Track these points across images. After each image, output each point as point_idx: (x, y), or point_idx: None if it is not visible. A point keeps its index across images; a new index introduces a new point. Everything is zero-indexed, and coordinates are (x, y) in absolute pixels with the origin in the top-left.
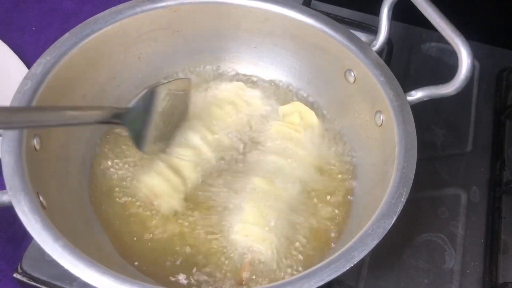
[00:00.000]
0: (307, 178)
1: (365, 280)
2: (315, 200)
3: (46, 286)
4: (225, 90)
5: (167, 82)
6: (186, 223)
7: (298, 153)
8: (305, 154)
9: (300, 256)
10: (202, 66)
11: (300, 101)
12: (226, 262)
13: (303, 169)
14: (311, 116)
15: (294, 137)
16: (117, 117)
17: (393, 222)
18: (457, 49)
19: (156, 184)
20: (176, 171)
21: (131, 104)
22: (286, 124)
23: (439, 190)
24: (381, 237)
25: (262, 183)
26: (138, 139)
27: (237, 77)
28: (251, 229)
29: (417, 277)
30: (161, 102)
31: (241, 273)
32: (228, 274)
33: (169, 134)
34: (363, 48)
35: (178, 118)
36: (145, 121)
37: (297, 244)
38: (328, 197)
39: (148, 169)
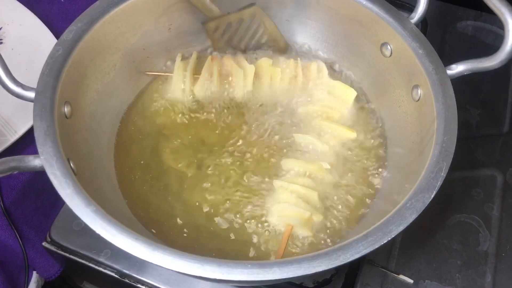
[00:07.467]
0: (342, 156)
1: (396, 259)
2: (349, 175)
3: (75, 256)
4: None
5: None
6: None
7: (334, 131)
8: (340, 132)
9: (335, 233)
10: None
11: (333, 76)
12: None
13: (338, 147)
14: (348, 93)
15: (329, 115)
16: None
17: (432, 196)
18: (503, 18)
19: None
20: None
21: None
22: (322, 101)
23: (474, 171)
24: (419, 211)
25: (296, 163)
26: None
27: (268, 51)
28: (287, 208)
29: (449, 258)
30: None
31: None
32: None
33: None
34: (401, 20)
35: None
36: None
37: (333, 221)
38: (363, 173)
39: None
